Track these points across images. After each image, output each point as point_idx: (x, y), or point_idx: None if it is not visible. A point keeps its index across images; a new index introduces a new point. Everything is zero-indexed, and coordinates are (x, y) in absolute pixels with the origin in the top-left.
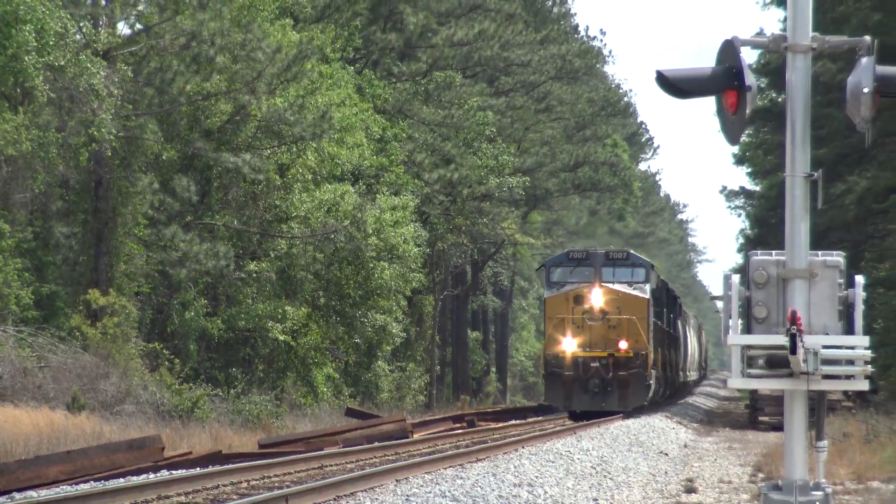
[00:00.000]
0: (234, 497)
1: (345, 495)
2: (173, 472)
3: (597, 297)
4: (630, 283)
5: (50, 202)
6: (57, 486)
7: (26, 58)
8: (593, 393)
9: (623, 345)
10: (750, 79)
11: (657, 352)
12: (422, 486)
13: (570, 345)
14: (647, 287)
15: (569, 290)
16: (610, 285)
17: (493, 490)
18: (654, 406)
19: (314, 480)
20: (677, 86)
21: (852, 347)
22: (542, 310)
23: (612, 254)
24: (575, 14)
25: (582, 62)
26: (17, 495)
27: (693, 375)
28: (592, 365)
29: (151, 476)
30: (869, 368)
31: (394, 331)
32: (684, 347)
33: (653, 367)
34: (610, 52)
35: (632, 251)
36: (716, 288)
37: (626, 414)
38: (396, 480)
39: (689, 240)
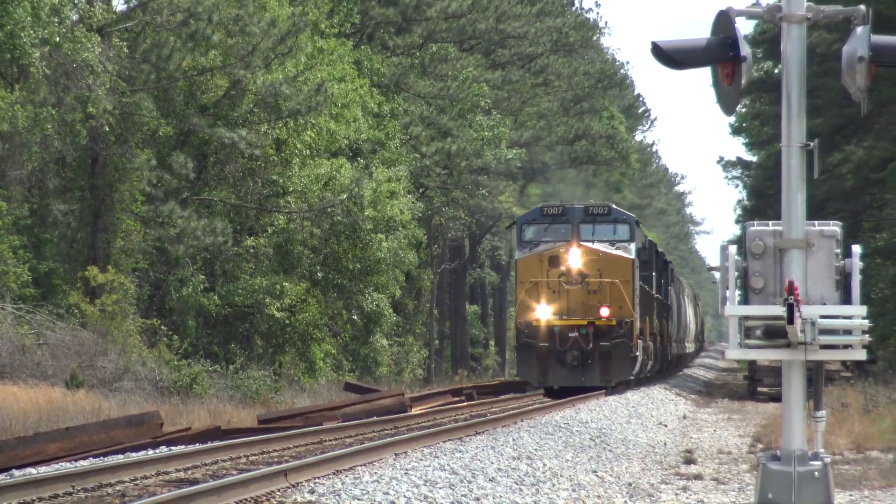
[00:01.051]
0: (234, 472)
1: (344, 469)
2: (172, 447)
3: (574, 258)
4: (612, 242)
5: (46, 179)
6: (56, 462)
7: (22, 34)
8: (571, 366)
9: (605, 311)
10: (745, 49)
11: (645, 320)
12: (421, 459)
13: (544, 312)
14: (632, 246)
15: (543, 250)
16: (589, 244)
17: (493, 463)
18: (643, 381)
19: (313, 455)
20: (673, 57)
21: (850, 317)
22: (514, 273)
23: (592, 209)
24: None
25: (578, 35)
26: (16, 472)
27: (689, 347)
28: (570, 335)
29: (150, 452)
30: (867, 338)
31: (386, 312)
32: (678, 317)
33: (639, 336)
34: (606, 23)
35: (613, 205)
36: (713, 259)
37: (608, 390)
38: (395, 454)
39: (687, 211)
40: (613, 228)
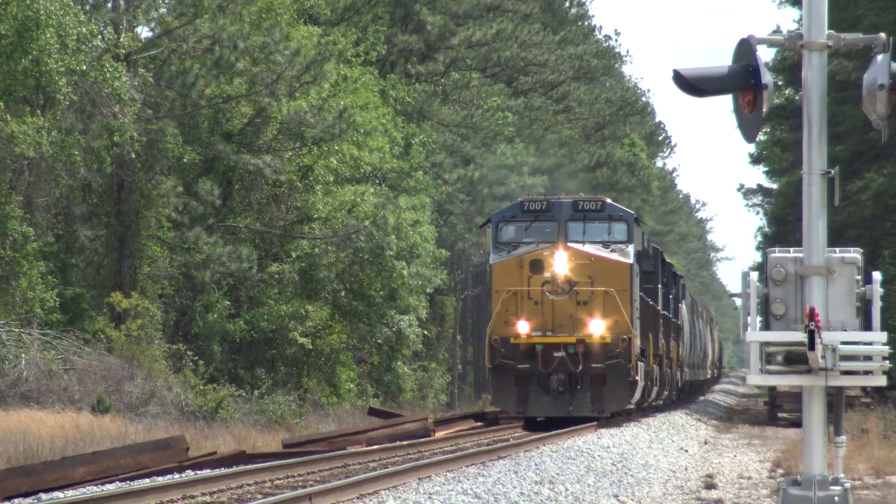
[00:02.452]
0: (259, 496)
1: (368, 494)
2: (198, 472)
3: (561, 263)
4: (606, 244)
5: (73, 205)
6: (83, 486)
7: (49, 61)
8: (557, 393)
9: (597, 327)
10: (766, 77)
11: (647, 338)
12: (444, 484)
13: (524, 327)
14: (630, 249)
15: (523, 253)
16: (579, 246)
17: (515, 487)
18: (646, 411)
19: (338, 479)
20: (695, 85)
21: (870, 343)
22: (489, 280)
23: (583, 204)
24: (593, 16)
25: (600, 62)
26: (43, 496)
27: (705, 374)
28: (555, 354)
29: (176, 476)
30: (887, 364)
31: (411, 336)
32: (692, 338)
33: (639, 357)
34: (627, 51)
35: (608, 200)
36: (735, 285)
37: (601, 422)
38: (419, 479)
39: (708, 237)
40: (608, 227)
